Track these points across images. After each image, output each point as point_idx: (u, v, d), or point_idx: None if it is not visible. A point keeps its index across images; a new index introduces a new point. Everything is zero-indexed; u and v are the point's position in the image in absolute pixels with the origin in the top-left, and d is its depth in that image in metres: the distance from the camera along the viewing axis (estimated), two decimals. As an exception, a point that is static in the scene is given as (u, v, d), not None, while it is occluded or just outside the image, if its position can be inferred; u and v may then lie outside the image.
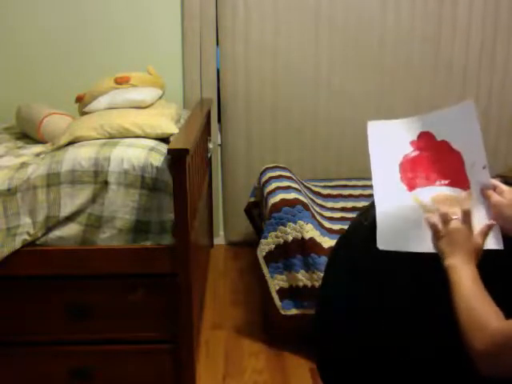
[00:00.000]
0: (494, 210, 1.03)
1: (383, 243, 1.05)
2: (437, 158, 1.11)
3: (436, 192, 1.08)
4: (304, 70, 3.01)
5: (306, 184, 2.75)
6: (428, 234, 1.04)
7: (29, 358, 1.78)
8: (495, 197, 1.04)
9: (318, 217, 2.23)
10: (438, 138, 1.13)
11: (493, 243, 1.01)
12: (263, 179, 2.54)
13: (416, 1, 2.95)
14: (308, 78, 3.02)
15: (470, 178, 1.08)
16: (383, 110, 3.08)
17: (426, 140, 1.13)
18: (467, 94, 3.09)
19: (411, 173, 1.11)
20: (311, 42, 2.97)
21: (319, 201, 2.60)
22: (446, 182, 1.09)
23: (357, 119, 3.07)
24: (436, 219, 1.03)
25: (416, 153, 1.13)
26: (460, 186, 1.08)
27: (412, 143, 1.14)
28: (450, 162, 1.10)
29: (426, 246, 1.04)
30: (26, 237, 1.69)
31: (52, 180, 1.70)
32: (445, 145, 1.12)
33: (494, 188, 1.06)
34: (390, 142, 1.15)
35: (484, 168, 1.07)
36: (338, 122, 3.08)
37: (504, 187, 1.05)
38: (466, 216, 1.02)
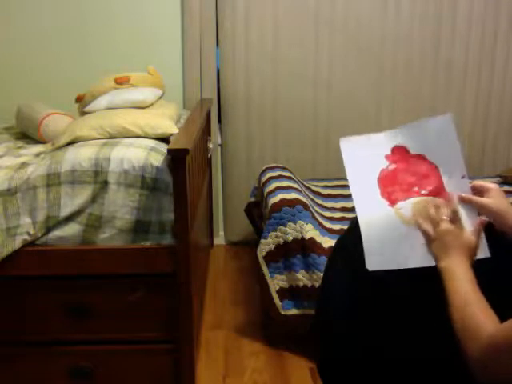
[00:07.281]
0: (481, 212, 1.03)
1: (372, 265, 1.06)
2: (414, 171, 1.12)
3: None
4: (304, 70, 3.01)
5: (306, 184, 2.75)
6: (415, 248, 1.05)
7: (29, 358, 1.78)
8: (476, 198, 1.04)
9: (318, 217, 2.23)
10: (413, 152, 1.14)
11: (479, 252, 1.02)
12: (263, 179, 2.54)
13: (416, 1, 2.95)
14: (308, 78, 3.02)
15: (448, 189, 1.08)
16: (383, 110, 3.08)
17: (400, 154, 1.14)
18: (467, 93, 3.10)
19: (390, 187, 1.12)
20: (311, 42, 2.97)
21: (319, 201, 2.60)
22: (426, 192, 1.10)
23: (357, 119, 3.07)
24: (426, 225, 1.04)
25: (393, 166, 1.14)
26: (439, 196, 1.09)
27: (387, 157, 1.15)
28: (427, 174, 1.11)
29: (413, 261, 1.05)
30: (26, 237, 1.68)
31: (52, 180, 1.69)
32: (420, 158, 1.13)
33: (480, 188, 1.06)
34: (365, 158, 1.16)
35: (463, 177, 1.08)
36: (337, 121, 3.08)
37: (490, 185, 1.05)
38: (455, 215, 1.02)
